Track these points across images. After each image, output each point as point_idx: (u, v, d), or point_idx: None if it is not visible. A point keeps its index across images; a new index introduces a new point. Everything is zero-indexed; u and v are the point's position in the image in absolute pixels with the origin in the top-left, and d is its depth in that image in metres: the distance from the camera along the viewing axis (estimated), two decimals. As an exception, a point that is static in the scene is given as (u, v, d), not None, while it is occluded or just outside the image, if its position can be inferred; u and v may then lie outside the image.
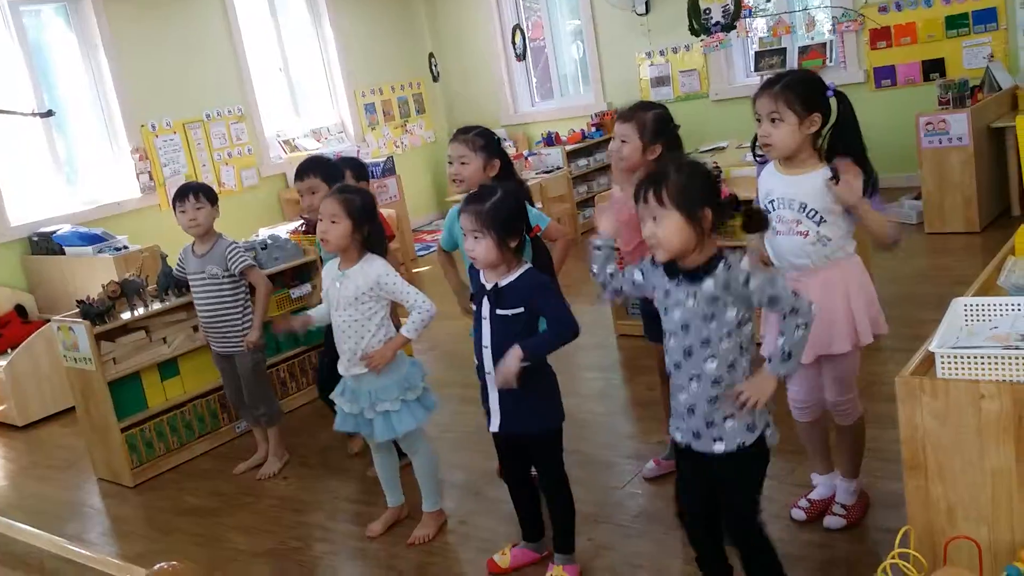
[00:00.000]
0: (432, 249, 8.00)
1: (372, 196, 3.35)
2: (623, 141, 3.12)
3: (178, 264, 4.18)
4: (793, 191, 2.69)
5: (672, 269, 2.35)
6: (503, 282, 2.73)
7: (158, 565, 0.98)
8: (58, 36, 7.13)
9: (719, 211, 2.29)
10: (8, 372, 5.25)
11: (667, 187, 2.24)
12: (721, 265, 2.26)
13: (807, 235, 2.69)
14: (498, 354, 2.72)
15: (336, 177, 3.83)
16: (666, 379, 3.32)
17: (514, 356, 2.63)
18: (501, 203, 2.70)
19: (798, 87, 2.65)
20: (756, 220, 2.41)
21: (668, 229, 2.24)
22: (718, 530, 2.53)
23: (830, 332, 2.72)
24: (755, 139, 2.78)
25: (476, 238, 2.68)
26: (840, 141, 2.71)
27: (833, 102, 2.69)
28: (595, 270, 2.55)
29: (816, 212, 2.67)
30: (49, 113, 6.49)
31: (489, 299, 2.74)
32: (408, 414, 3.22)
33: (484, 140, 3.34)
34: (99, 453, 4.36)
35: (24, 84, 6.74)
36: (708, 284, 2.26)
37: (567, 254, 3.41)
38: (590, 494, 3.40)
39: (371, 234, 3.21)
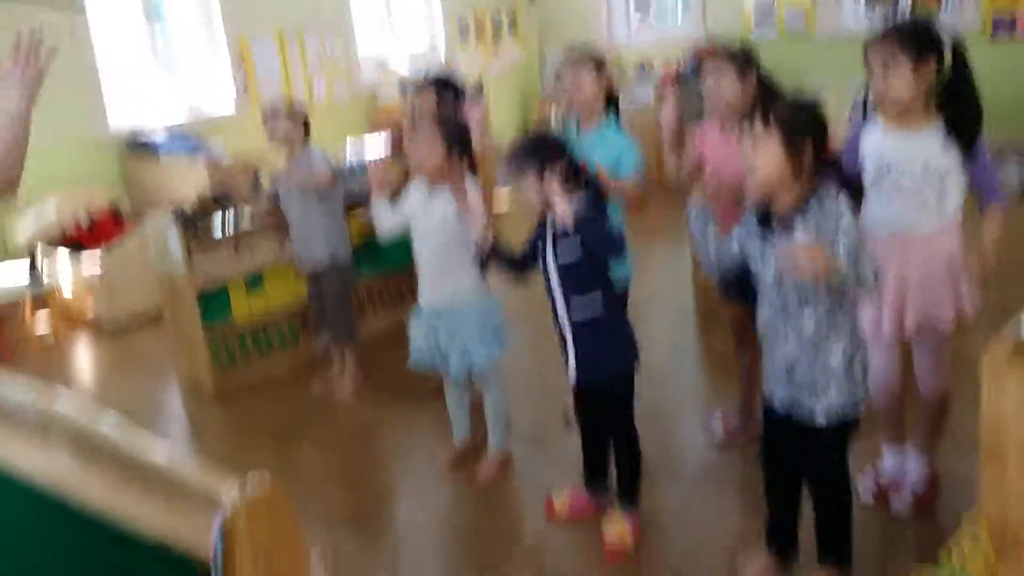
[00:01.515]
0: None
1: (466, 123, 3.34)
2: (715, 77, 3.07)
3: (273, 180, 4.26)
4: (914, 151, 2.55)
5: (765, 220, 2.31)
6: (558, 229, 2.72)
7: (247, 485, 1.01)
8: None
9: (820, 157, 2.23)
10: (102, 271, 5.44)
11: (775, 111, 2.21)
12: (813, 201, 2.21)
13: (927, 199, 2.57)
14: (569, 289, 2.76)
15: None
16: (741, 340, 3.33)
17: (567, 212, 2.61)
18: (538, 140, 2.78)
19: (912, 30, 2.53)
20: (854, 189, 2.33)
21: (766, 153, 2.20)
22: (796, 496, 2.55)
23: (933, 302, 2.62)
24: (866, 94, 2.66)
25: (520, 180, 2.72)
26: (954, 96, 2.55)
27: (948, 54, 2.54)
28: (697, 241, 2.50)
29: (937, 172, 2.54)
30: None
31: (552, 248, 2.77)
32: (485, 348, 3.25)
33: (595, 60, 3.31)
34: (183, 359, 4.53)
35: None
36: (800, 226, 2.21)
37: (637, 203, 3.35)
38: (657, 446, 3.41)
39: (463, 161, 3.21)
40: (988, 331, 2.01)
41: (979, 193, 2.62)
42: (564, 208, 2.61)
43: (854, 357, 2.31)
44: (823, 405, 2.32)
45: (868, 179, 2.66)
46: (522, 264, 2.95)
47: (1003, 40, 7.09)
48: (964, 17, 7.22)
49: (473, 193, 3.07)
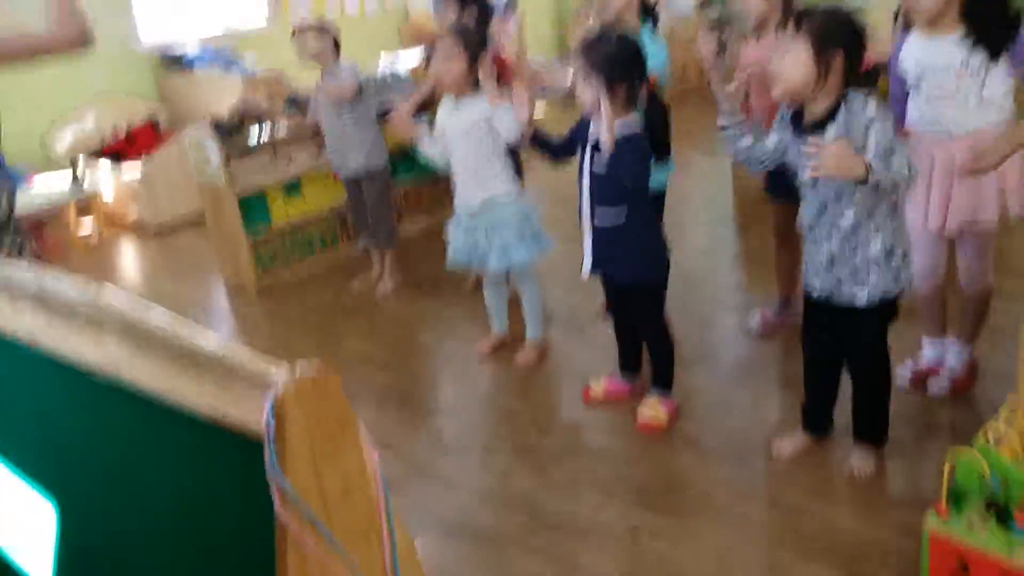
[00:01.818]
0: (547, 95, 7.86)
1: (487, 36, 3.33)
2: None
3: (312, 98, 4.27)
4: (945, 56, 2.53)
5: (799, 124, 2.31)
6: (602, 136, 2.67)
7: (299, 366, 1.05)
8: None
9: (854, 67, 2.23)
10: (143, 178, 5.52)
11: (809, 18, 2.22)
12: (842, 107, 2.23)
13: (967, 98, 2.55)
14: (596, 197, 2.79)
15: (478, 7, 3.71)
16: (782, 240, 3.34)
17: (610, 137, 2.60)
18: (616, 48, 2.68)
19: None
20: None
21: (792, 59, 2.22)
22: (835, 380, 2.58)
23: (977, 199, 2.62)
24: (899, 7, 2.62)
25: (585, 79, 2.67)
26: (978, 3, 2.50)
27: None
28: (732, 153, 2.52)
29: (977, 69, 2.50)
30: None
31: (590, 154, 2.77)
32: (524, 247, 3.30)
33: None
34: (227, 260, 4.61)
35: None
36: (831, 131, 2.24)
37: None
38: (692, 339, 3.46)
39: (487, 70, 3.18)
40: None
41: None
42: (608, 133, 2.58)
43: (894, 248, 2.34)
44: (863, 290, 2.35)
45: (910, 84, 2.66)
46: (563, 151, 2.96)
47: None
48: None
49: (511, 91, 3.05)
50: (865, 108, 2.21)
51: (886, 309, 2.42)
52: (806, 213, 2.42)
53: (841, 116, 2.22)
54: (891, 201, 2.32)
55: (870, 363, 2.53)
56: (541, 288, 3.53)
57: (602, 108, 2.60)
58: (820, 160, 2.12)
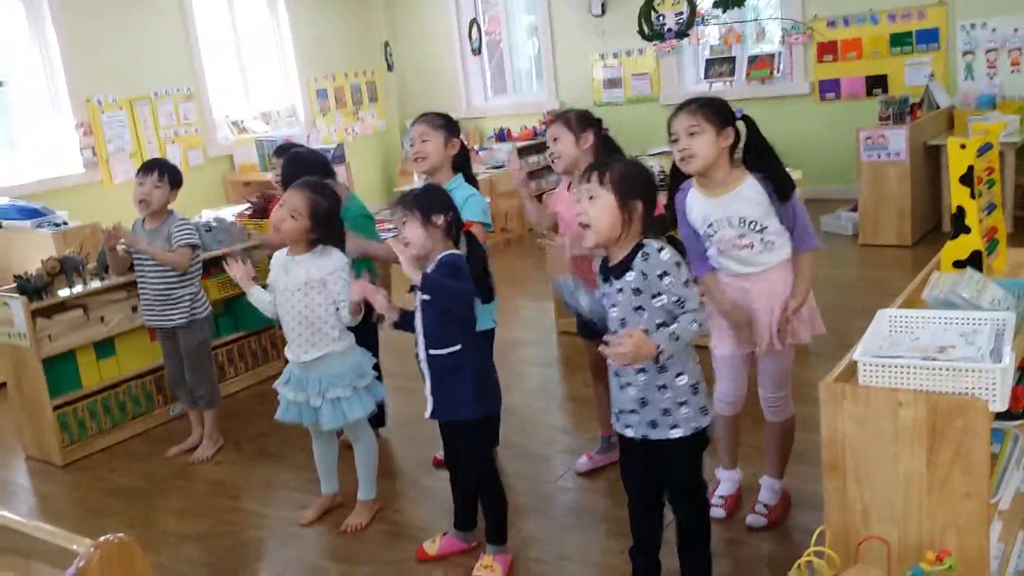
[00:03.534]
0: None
1: (339, 200, 3.33)
2: (555, 140, 3.32)
3: (128, 242, 4.13)
4: (730, 209, 2.77)
5: (606, 270, 2.45)
6: (427, 271, 2.77)
7: (103, 537, 0.99)
8: (4, 3, 6.95)
9: (649, 214, 2.44)
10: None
11: (609, 171, 2.41)
12: (639, 255, 2.39)
13: (752, 246, 2.80)
14: (428, 341, 2.83)
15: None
16: (599, 376, 3.45)
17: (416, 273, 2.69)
18: (427, 190, 2.89)
19: (712, 104, 2.77)
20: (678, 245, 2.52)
21: (599, 208, 2.39)
22: (659, 517, 2.63)
23: (766, 329, 2.84)
24: (673, 166, 2.87)
25: (404, 223, 2.78)
26: (754, 159, 2.81)
27: (742, 126, 2.79)
28: (578, 309, 2.59)
29: (756, 222, 2.76)
30: (-2, 84, 6.27)
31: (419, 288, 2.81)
32: (358, 402, 3.24)
33: (444, 119, 3.47)
34: (29, 431, 4.29)
35: (-34, 52, 6.56)
36: (630, 276, 2.40)
37: None
38: (524, 486, 3.46)
39: (327, 236, 3.22)
40: (829, 362, 2.19)
41: (794, 240, 2.86)
42: (408, 264, 2.71)
43: (698, 383, 2.49)
44: (677, 429, 2.46)
45: (701, 233, 2.88)
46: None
47: (830, 100, 7.69)
48: (795, 82, 7.80)
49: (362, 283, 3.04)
50: (660, 256, 2.37)
51: (697, 439, 2.52)
52: None
53: (638, 263, 2.38)
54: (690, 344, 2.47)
55: (688, 493, 2.59)
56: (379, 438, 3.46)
57: (412, 246, 2.73)
58: (616, 351, 2.29)
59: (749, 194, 2.76)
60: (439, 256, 2.79)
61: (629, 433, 2.54)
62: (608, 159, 2.51)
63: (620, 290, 2.41)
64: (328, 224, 3.21)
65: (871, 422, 2.05)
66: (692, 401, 2.46)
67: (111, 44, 7.25)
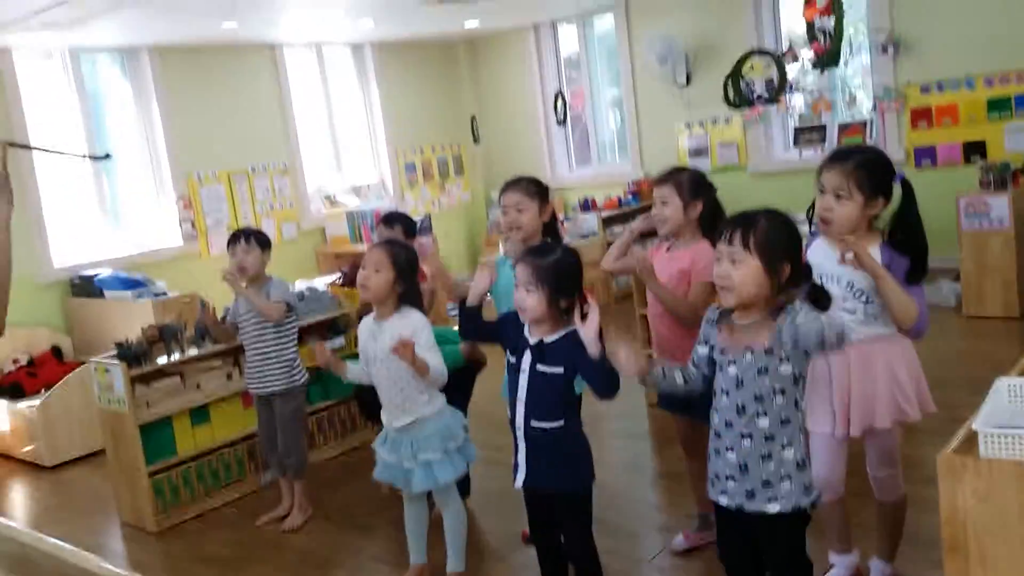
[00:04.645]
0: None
1: (415, 253, 3.39)
2: (663, 203, 3.17)
3: (226, 308, 4.24)
4: (842, 270, 2.63)
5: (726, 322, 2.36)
6: (548, 339, 2.71)
7: None
8: (113, 83, 7.35)
9: (796, 272, 2.30)
10: (41, 412, 5.29)
11: (755, 232, 2.27)
12: (787, 315, 2.24)
13: (855, 313, 2.66)
14: (532, 410, 2.73)
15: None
16: (691, 451, 3.33)
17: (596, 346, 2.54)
18: (561, 260, 2.72)
19: (871, 167, 2.62)
20: (821, 297, 2.34)
21: (745, 274, 2.26)
22: None
23: (873, 405, 2.69)
24: (811, 209, 2.75)
25: (528, 291, 2.68)
26: (900, 229, 2.66)
27: (897, 188, 2.66)
28: (682, 390, 2.51)
29: (863, 292, 2.64)
30: (106, 156, 6.53)
31: (532, 353, 2.73)
32: (449, 464, 3.21)
33: (538, 186, 3.39)
34: (125, 497, 4.36)
35: (78, 129, 6.93)
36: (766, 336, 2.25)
37: None
38: (617, 564, 3.34)
39: (410, 289, 3.24)
40: (938, 438, 2.07)
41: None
42: (593, 343, 2.55)
43: (805, 460, 2.36)
44: (775, 503, 2.33)
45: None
46: (487, 333, 2.96)
47: (926, 167, 7.50)
48: (889, 149, 7.64)
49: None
50: (799, 310, 2.23)
51: (800, 515, 2.38)
52: (720, 416, 2.39)
53: (782, 320, 2.23)
54: (800, 411, 2.35)
55: (793, 570, 2.45)
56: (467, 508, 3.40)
57: (588, 316, 2.56)
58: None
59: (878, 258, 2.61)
60: (562, 331, 2.69)
61: (723, 501, 2.42)
62: (749, 214, 2.32)
63: (750, 348, 2.29)
64: (411, 274, 3.23)
65: (995, 497, 1.91)
66: (796, 477, 2.33)
67: (211, 121, 7.57)
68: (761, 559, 2.46)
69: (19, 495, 5.04)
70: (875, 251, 2.63)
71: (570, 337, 2.68)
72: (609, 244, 8.10)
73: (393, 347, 3.01)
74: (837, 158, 2.66)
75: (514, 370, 2.78)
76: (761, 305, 2.30)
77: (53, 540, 1.16)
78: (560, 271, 2.69)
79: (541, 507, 2.91)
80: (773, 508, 2.33)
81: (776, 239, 2.27)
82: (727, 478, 2.39)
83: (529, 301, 2.68)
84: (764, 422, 2.30)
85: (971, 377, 4.47)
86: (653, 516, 3.86)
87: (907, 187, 2.68)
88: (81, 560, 1.11)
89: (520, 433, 2.78)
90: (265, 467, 4.53)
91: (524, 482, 2.82)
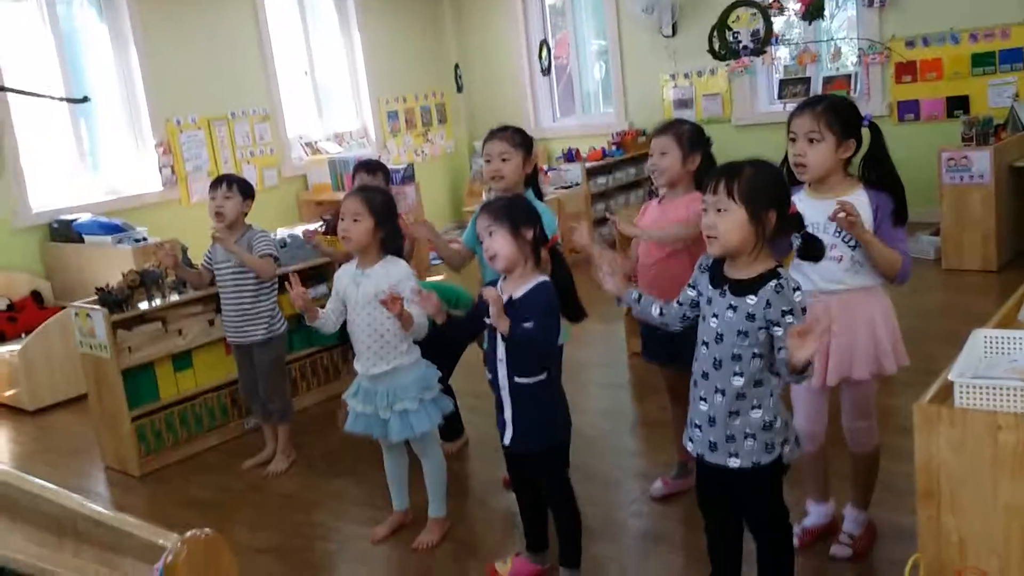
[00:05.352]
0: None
1: (392, 196, 3.38)
2: (662, 153, 3.17)
3: (206, 256, 4.21)
4: (827, 215, 2.64)
5: (719, 277, 2.37)
6: (516, 294, 2.73)
7: (190, 532, 0.99)
8: (89, 26, 7.20)
9: (783, 220, 2.31)
10: (22, 356, 5.28)
11: (739, 181, 2.27)
12: (772, 285, 2.26)
13: (841, 259, 2.68)
14: (514, 368, 2.75)
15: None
16: (677, 399, 3.36)
17: (503, 323, 2.64)
18: (513, 200, 2.87)
19: (839, 108, 2.66)
20: (813, 246, 2.39)
21: (730, 223, 2.26)
22: (737, 543, 2.55)
23: (851, 357, 2.73)
24: (785, 160, 2.77)
25: (491, 233, 2.72)
26: (873, 172, 2.71)
27: (866, 132, 2.69)
28: (656, 320, 2.55)
29: (851, 235, 2.66)
30: (84, 99, 6.44)
31: (507, 312, 2.73)
32: (425, 414, 3.23)
33: (522, 137, 3.40)
34: (108, 441, 4.38)
35: (54, 71, 6.79)
36: (752, 299, 2.27)
37: None
38: (596, 511, 3.39)
39: (391, 234, 3.24)
40: (913, 389, 2.10)
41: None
42: (498, 317, 2.63)
43: (773, 422, 2.36)
44: (735, 459, 2.36)
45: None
46: (479, 325, 2.91)
47: (909, 121, 7.51)
48: (872, 103, 7.64)
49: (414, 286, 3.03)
50: (793, 295, 2.25)
51: (765, 470, 2.39)
52: (699, 366, 2.42)
53: (768, 292, 2.25)
54: (774, 379, 2.36)
55: (767, 521, 2.50)
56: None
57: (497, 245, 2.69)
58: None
59: (862, 205, 2.63)
60: (531, 283, 2.73)
61: (689, 447, 2.47)
62: (734, 164, 2.32)
63: (733, 307, 2.30)
64: (390, 216, 3.23)
65: (968, 447, 1.97)
66: (760, 436, 2.35)
67: (190, 66, 7.44)
68: (736, 505, 2.51)
69: (1, 439, 5.05)
70: (860, 196, 2.66)
71: (536, 291, 2.71)
72: (593, 196, 8.11)
73: (381, 299, 3.01)
74: (806, 104, 2.71)
75: (492, 330, 2.79)
76: (749, 259, 2.30)
77: (38, 480, 1.17)
78: (513, 206, 2.80)
79: (523, 465, 2.96)
80: (733, 463, 2.37)
81: (760, 187, 2.28)
82: (695, 426, 2.43)
83: (495, 244, 2.72)
84: (739, 381, 2.32)
85: (948, 330, 4.53)
86: (632, 463, 3.92)
87: (875, 128, 2.72)
88: (65, 500, 1.13)
89: (505, 393, 2.81)
90: (248, 412, 4.55)
91: (512, 445, 2.85)
